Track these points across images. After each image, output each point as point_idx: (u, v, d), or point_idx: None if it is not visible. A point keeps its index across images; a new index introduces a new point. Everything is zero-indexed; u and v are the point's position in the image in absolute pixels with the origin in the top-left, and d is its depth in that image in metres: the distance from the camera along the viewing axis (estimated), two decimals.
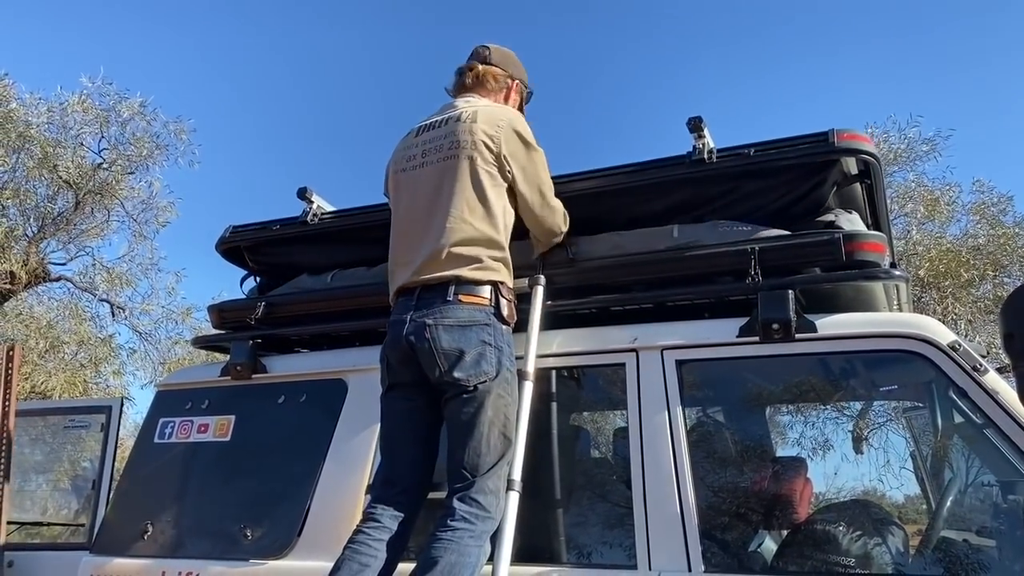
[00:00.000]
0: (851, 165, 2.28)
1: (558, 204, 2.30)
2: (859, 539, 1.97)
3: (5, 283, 9.92)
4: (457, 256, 2.05)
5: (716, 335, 2.13)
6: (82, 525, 3.69)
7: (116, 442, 3.62)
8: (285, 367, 2.64)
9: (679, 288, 2.24)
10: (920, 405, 2.51)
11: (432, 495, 2.08)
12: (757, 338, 2.06)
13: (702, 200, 2.34)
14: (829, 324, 2.04)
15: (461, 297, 2.03)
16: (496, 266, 2.10)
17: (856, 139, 2.20)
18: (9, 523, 3.31)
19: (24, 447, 4.11)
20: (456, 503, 1.90)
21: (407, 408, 2.10)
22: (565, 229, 2.33)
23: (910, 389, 2.40)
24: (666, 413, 2.08)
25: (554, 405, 2.25)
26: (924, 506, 2.51)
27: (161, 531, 2.47)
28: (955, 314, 9.20)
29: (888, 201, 2.75)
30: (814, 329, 2.04)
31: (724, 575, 1.91)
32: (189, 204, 20.86)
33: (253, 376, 2.63)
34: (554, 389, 2.25)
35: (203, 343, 3.00)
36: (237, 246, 2.93)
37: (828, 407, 2.58)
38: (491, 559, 1.88)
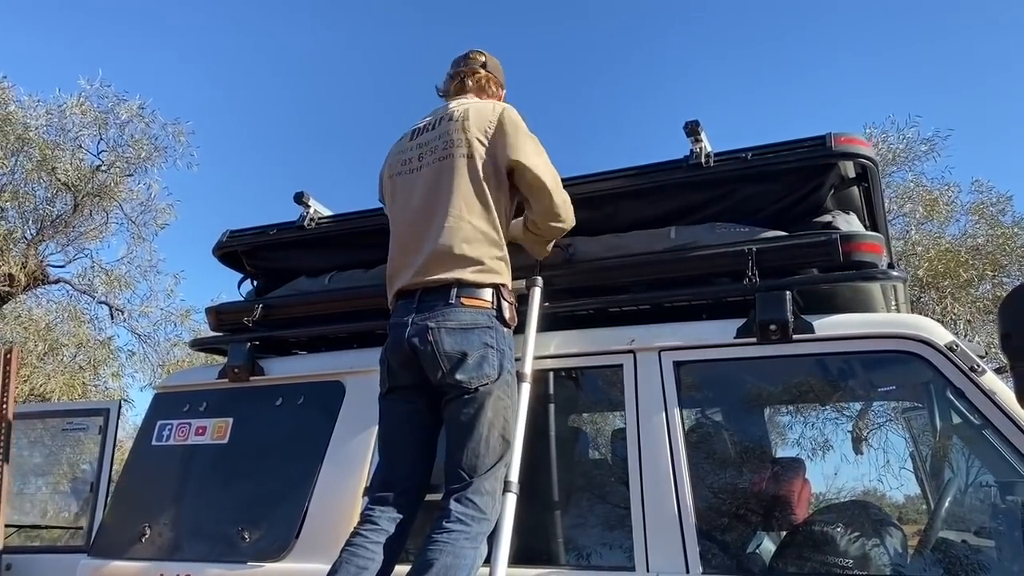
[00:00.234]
0: (848, 169, 2.28)
1: (565, 194, 2.23)
2: (857, 540, 1.96)
3: (4, 285, 9.92)
4: (458, 258, 2.05)
5: (714, 336, 2.13)
6: (80, 528, 3.69)
7: (114, 445, 3.62)
8: (283, 369, 2.63)
9: (676, 289, 2.24)
10: (918, 406, 2.50)
11: (429, 497, 2.07)
12: (755, 339, 2.06)
13: (699, 204, 2.34)
14: (827, 325, 2.04)
15: (463, 300, 2.03)
16: (497, 267, 2.10)
17: (853, 143, 2.21)
18: (7, 526, 3.31)
19: (23, 450, 4.12)
20: (452, 504, 1.90)
21: (407, 411, 2.10)
22: (572, 221, 2.24)
23: (908, 390, 2.40)
24: (664, 414, 2.08)
25: (552, 407, 2.24)
26: (923, 507, 2.52)
27: (159, 534, 2.47)
28: (954, 314, 9.21)
29: (887, 201, 2.75)
30: (812, 330, 2.04)
31: None
32: (188, 206, 20.90)
33: (251, 378, 2.63)
34: (552, 390, 2.25)
35: (201, 345, 2.99)
36: (234, 251, 2.93)
37: (826, 408, 2.58)
38: (489, 561, 1.88)
